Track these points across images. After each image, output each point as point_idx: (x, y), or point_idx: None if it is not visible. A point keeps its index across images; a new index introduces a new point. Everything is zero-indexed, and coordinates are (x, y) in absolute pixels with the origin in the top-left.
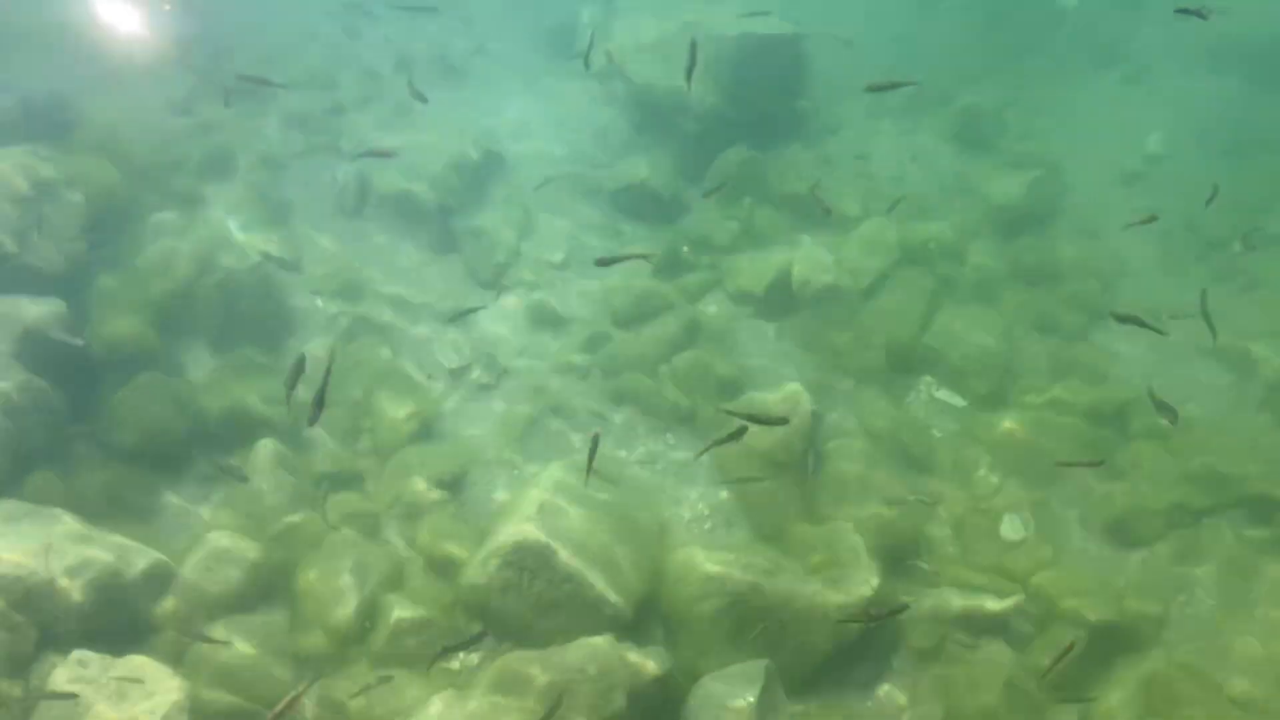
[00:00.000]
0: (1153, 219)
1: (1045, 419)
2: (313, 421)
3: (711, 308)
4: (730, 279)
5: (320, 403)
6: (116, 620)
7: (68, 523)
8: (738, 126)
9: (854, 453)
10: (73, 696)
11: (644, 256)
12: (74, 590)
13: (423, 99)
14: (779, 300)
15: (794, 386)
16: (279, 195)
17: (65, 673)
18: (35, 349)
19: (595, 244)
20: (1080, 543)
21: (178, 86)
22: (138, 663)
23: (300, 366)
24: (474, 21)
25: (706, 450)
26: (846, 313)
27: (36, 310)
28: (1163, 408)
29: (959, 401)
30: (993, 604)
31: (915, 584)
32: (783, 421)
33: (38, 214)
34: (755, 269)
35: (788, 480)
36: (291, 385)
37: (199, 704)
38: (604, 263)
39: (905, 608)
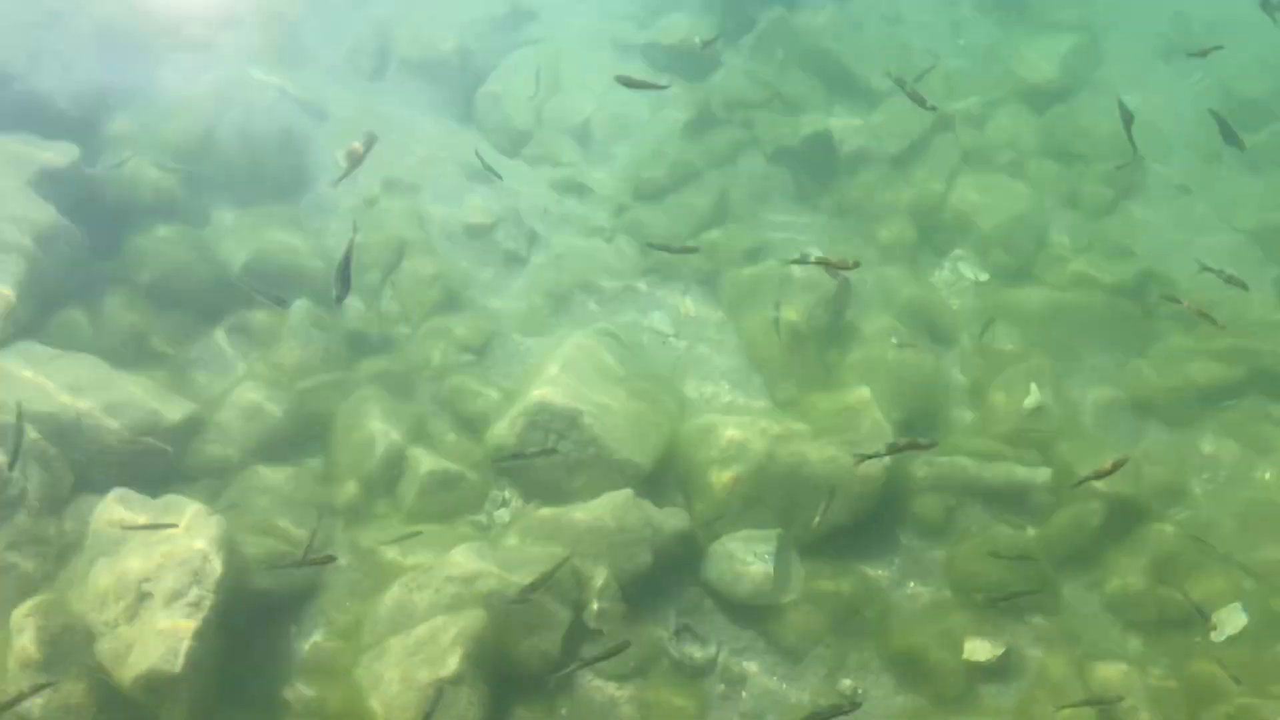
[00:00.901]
0: None
1: (1069, 295)
2: (339, 299)
3: (750, 162)
4: (764, 135)
5: (344, 279)
6: (150, 467)
7: (99, 367)
8: None
9: (878, 323)
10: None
11: (664, 87)
12: (105, 434)
13: None
14: (812, 159)
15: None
16: (297, 48)
17: (106, 511)
18: (53, 188)
19: (624, 107)
20: (1101, 418)
21: None
22: (178, 501)
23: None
24: None
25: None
26: (877, 179)
27: (52, 154)
28: (1231, 280)
29: (983, 275)
30: (1021, 471)
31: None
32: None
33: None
34: (789, 128)
35: (810, 349)
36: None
37: (234, 546)
38: (626, 82)
39: (932, 444)
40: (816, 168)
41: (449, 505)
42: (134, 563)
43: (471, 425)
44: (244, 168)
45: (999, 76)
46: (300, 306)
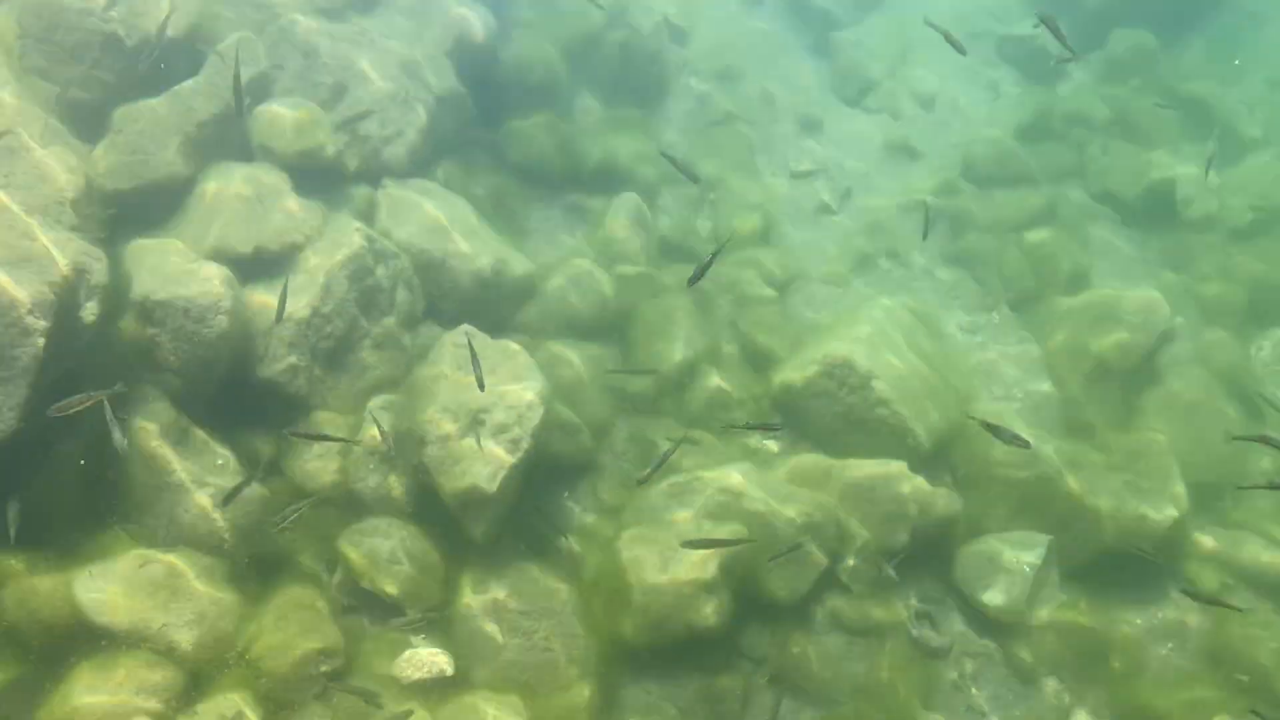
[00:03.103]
0: None
1: None
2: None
3: (1074, 194)
4: (1098, 170)
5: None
6: (487, 313)
7: (465, 211)
8: (1141, 5)
9: (1191, 378)
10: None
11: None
12: (462, 275)
13: None
14: (1150, 210)
15: (1152, 293)
16: None
17: (453, 338)
18: (464, 55)
19: (964, 89)
20: None
21: None
22: (513, 348)
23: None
24: None
25: None
26: (1220, 242)
27: (474, 16)
28: None
29: None
30: None
31: (1216, 522)
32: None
33: None
34: (1130, 167)
35: (1115, 384)
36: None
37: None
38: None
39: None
40: (1154, 209)
41: (723, 420)
42: (473, 394)
43: (760, 357)
44: (614, 72)
45: None
46: (629, 198)
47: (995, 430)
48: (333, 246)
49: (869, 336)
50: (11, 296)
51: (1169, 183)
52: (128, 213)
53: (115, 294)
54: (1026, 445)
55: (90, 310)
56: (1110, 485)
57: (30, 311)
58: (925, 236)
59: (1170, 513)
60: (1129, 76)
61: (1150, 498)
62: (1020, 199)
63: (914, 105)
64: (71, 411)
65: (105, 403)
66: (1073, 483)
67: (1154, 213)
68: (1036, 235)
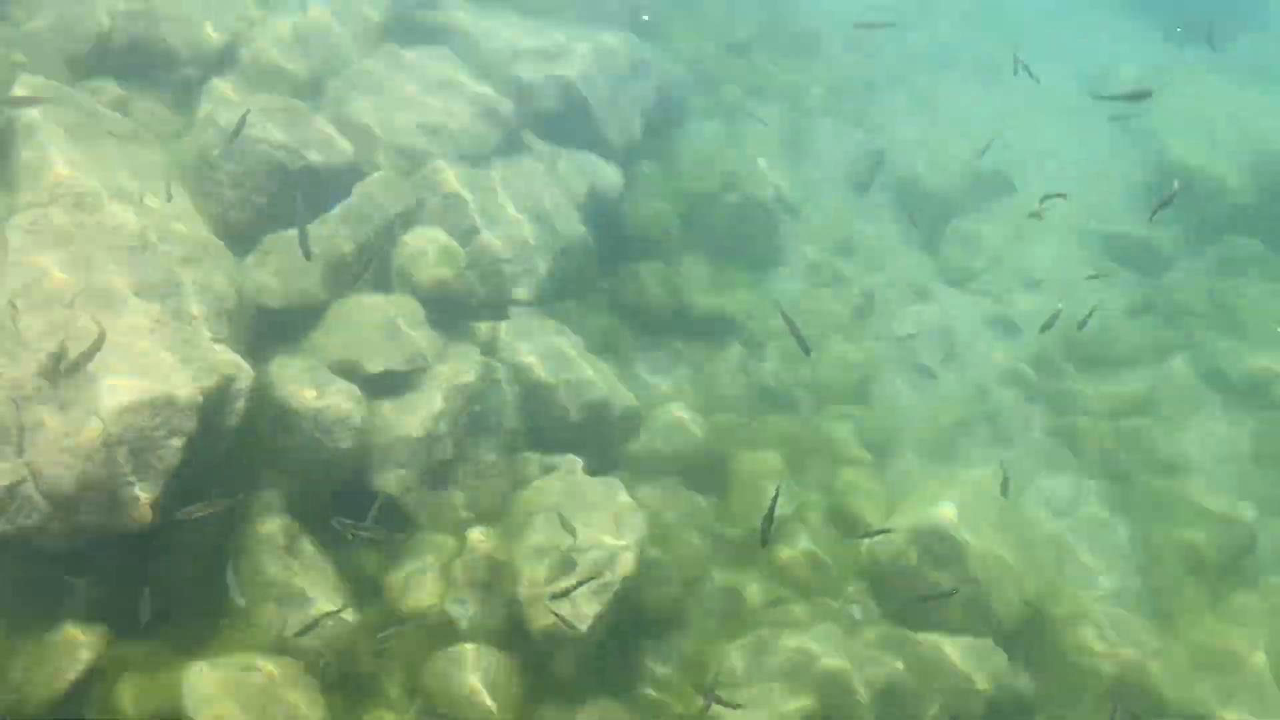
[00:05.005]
0: None
1: None
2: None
3: (1177, 374)
4: (1206, 350)
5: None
6: (592, 445)
7: (579, 347)
8: (1253, 221)
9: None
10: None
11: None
12: (571, 406)
13: (1034, 77)
14: (1252, 396)
15: (1243, 504)
16: (805, 144)
17: (555, 472)
18: (592, 205)
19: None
20: None
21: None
22: (615, 486)
23: None
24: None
25: None
26: None
27: (607, 172)
28: None
29: None
30: None
31: None
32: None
33: (624, 89)
34: (1233, 350)
35: (1209, 577)
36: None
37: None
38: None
39: None
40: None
41: (810, 580)
42: (565, 537)
43: (849, 519)
44: (727, 231)
45: None
46: (734, 349)
47: None
48: (453, 373)
49: (962, 508)
50: (169, 397)
51: (1272, 374)
52: (270, 329)
53: (255, 402)
54: None
55: (232, 416)
56: (1198, 689)
57: (182, 412)
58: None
59: None
60: (1237, 276)
61: (1236, 700)
62: (1120, 381)
63: (1020, 289)
64: (195, 517)
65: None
66: (1158, 677)
67: (1255, 398)
68: (1133, 421)
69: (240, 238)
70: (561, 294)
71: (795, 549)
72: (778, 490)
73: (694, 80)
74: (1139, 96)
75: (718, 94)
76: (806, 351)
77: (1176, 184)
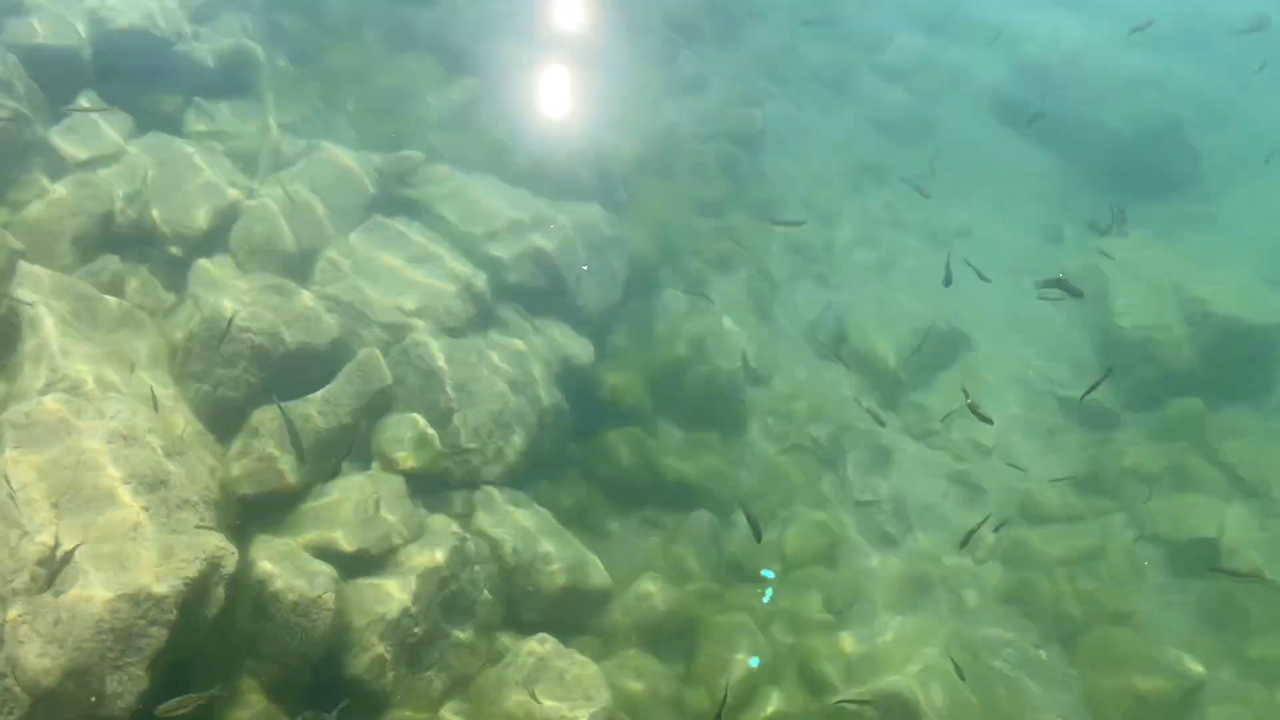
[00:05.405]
0: None
1: None
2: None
3: (1123, 537)
4: (1149, 516)
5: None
6: (565, 618)
7: (551, 522)
8: (1196, 383)
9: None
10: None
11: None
12: (543, 584)
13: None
14: (1192, 561)
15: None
16: (767, 309)
17: (525, 646)
18: (565, 375)
19: (1023, 445)
20: None
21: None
22: (582, 659)
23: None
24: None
25: None
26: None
27: (581, 343)
28: None
29: None
30: None
31: None
32: None
33: (596, 261)
34: (1176, 513)
35: None
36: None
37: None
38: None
39: None
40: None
41: None
42: (538, 707)
43: (814, 681)
44: (696, 401)
45: None
46: (702, 517)
47: None
48: (428, 553)
49: (920, 671)
50: (149, 590)
51: (1212, 542)
52: (251, 511)
53: (236, 587)
54: None
55: (214, 604)
56: None
57: (159, 604)
58: (963, 545)
59: None
60: (1178, 438)
61: None
62: (1073, 540)
63: (975, 453)
64: (174, 715)
65: None
66: None
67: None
68: (1083, 581)
69: (230, 413)
70: (536, 465)
71: (766, 711)
72: (726, 690)
73: (661, 250)
74: (1074, 294)
75: (683, 263)
76: (759, 538)
77: (1108, 369)
